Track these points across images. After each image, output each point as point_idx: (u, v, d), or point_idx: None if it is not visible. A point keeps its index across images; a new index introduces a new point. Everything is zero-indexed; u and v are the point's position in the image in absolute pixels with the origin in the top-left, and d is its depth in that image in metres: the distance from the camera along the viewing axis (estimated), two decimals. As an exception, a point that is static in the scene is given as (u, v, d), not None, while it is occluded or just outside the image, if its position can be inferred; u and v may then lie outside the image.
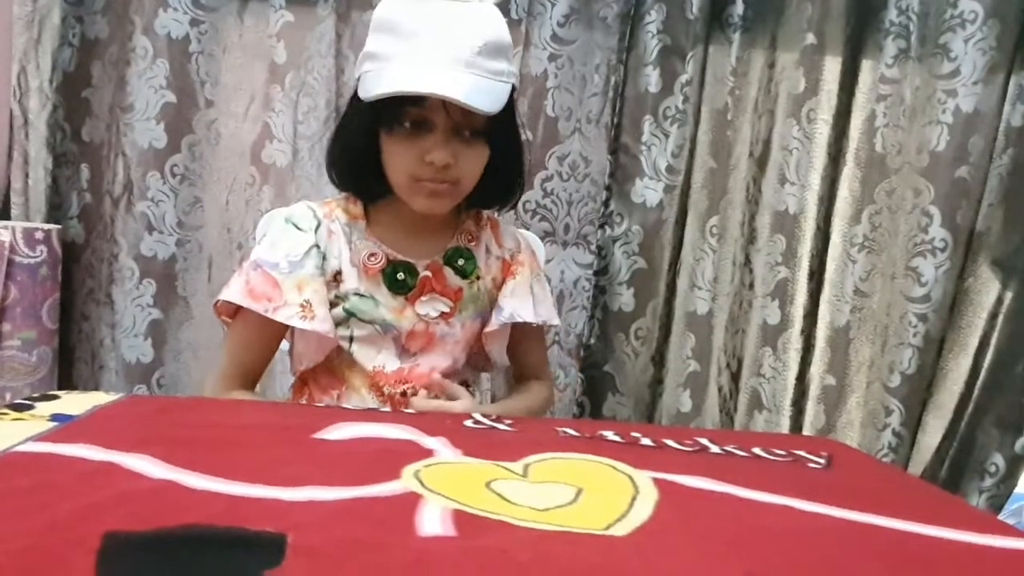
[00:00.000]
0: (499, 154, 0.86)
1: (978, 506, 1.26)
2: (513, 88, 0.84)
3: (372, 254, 0.89)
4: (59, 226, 1.41)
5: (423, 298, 0.90)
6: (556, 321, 1.02)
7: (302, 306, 0.84)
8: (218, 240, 1.46)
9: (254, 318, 0.85)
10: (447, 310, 0.90)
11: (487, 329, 0.93)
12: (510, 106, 0.85)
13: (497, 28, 0.82)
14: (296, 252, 0.86)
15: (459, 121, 0.81)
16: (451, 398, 0.88)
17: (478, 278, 0.93)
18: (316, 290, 0.85)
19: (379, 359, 0.89)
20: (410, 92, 0.77)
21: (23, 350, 1.32)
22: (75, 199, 1.45)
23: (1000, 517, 1.21)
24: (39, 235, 1.34)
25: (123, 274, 1.43)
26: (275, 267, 0.85)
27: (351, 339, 0.88)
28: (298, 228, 0.88)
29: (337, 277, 0.88)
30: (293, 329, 0.91)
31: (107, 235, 1.44)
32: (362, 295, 0.88)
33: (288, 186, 1.42)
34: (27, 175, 1.42)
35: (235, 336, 0.90)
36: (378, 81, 0.79)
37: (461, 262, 0.92)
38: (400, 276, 0.89)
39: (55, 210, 1.44)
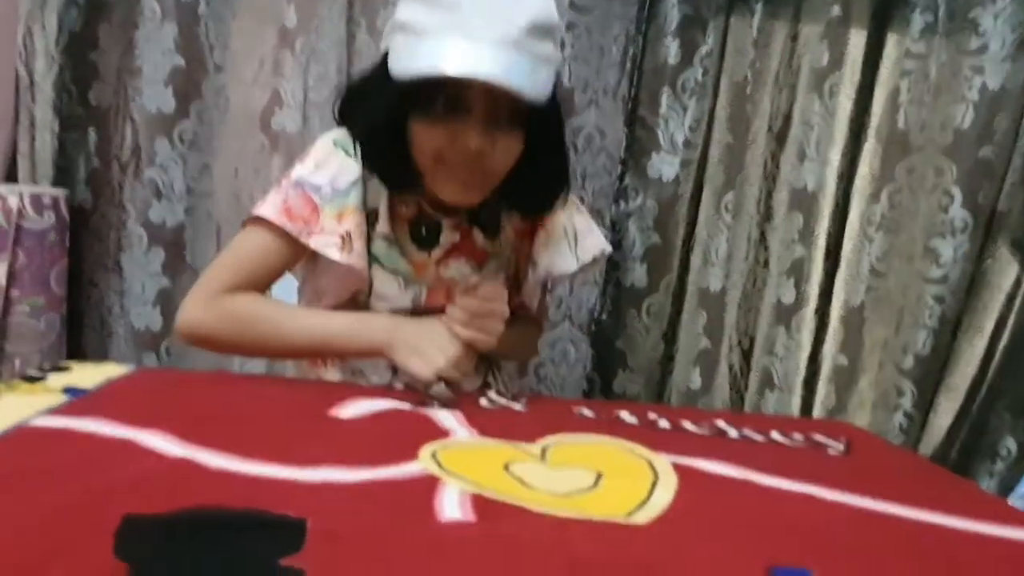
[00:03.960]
0: (538, 148, 0.78)
1: (988, 489, 1.25)
2: (558, 75, 0.77)
3: (405, 202, 0.83)
4: (66, 191, 1.39)
5: (451, 262, 0.86)
6: (607, 248, 0.92)
7: (341, 237, 0.77)
8: (227, 208, 1.44)
9: (279, 236, 0.78)
10: (470, 271, 0.87)
11: (524, 287, 0.89)
12: (554, 94, 0.77)
13: (548, 3, 0.73)
14: (342, 180, 0.79)
15: (500, 107, 0.73)
16: (487, 298, 0.77)
17: (499, 230, 0.88)
18: (358, 223, 0.78)
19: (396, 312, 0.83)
20: (456, 75, 0.69)
21: (32, 316, 1.32)
22: (82, 164, 1.43)
23: (1008, 500, 1.20)
24: (47, 200, 1.32)
25: (131, 241, 1.42)
26: (317, 190, 0.78)
27: (370, 291, 0.83)
28: (347, 153, 0.80)
29: (370, 217, 0.81)
30: (313, 263, 0.85)
31: (115, 201, 1.42)
32: (390, 241, 0.83)
33: (299, 154, 1.40)
34: (33, 138, 1.40)
35: (250, 245, 0.80)
36: (414, 56, 0.71)
37: (483, 217, 0.87)
38: (423, 232, 0.84)
39: (62, 174, 1.42)
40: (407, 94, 0.74)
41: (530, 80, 0.71)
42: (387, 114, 0.77)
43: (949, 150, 1.30)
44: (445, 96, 0.73)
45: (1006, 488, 1.28)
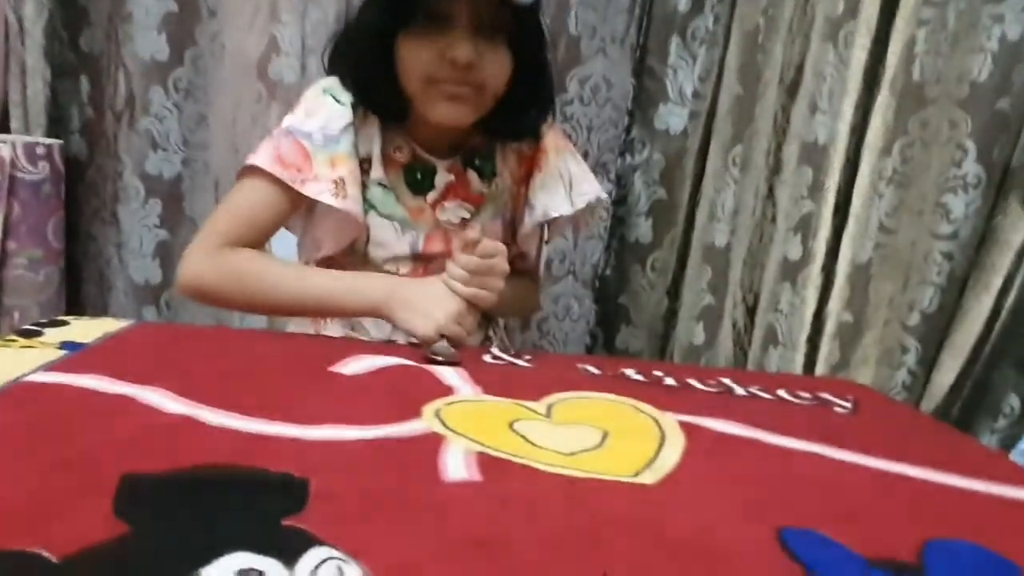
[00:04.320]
0: (523, 67, 0.79)
1: (989, 446, 1.26)
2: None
3: (399, 147, 0.83)
4: (60, 141, 1.36)
5: (447, 204, 0.85)
6: (602, 195, 0.91)
7: (335, 183, 0.77)
8: (225, 159, 1.41)
9: (274, 186, 0.77)
10: (468, 216, 0.86)
11: (521, 232, 0.89)
12: (536, 11, 0.78)
13: None
14: (333, 126, 0.78)
15: (484, 16, 0.73)
16: (486, 255, 0.75)
17: (495, 174, 0.88)
18: (351, 169, 0.78)
19: (393, 262, 0.84)
20: None
21: (30, 269, 1.31)
22: (76, 113, 1.40)
23: (1010, 456, 1.21)
24: (40, 150, 1.30)
25: (128, 193, 1.40)
26: (308, 137, 0.78)
27: (367, 238, 0.83)
28: (336, 100, 0.80)
29: (363, 164, 0.81)
30: (309, 214, 0.85)
31: (110, 152, 1.40)
32: (385, 187, 0.82)
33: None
34: (25, 86, 1.37)
35: (245, 197, 0.79)
36: None
37: (478, 162, 0.86)
38: (418, 176, 0.83)
39: (55, 124, 1.39)
40: (389, 10, 0.74)
41: None
42: (374, 31, 0.76)
43: (965, 103, 1.26)
44: (428, 8, 0.73)
45: (1007, 445, 1.28)
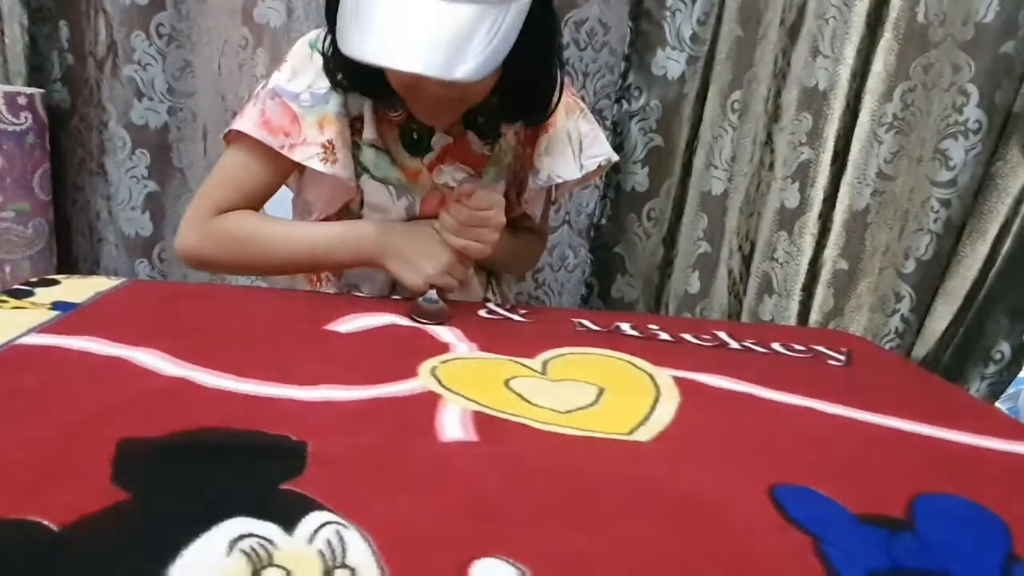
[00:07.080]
0: (523, 57, 0.65)
1: (979, 392, 1.27)
2: None
3: (392, 105, 0.79)
4: (42, 90, 1.33)
5: (443, 166, 0.81)
6: (612, 156, 0.87)
7: (323, 146, 0.74)
8: (212, 108, 1.38)
9: (262, 152, 0.75)
10: (466, 177, 0.82)
11: (525, 195, 0.86)
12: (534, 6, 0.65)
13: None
14: (320, 84, 0.75)
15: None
16: (480, 207, 0.72)
17: (499, 135, 0.84)
18: (340, 131, 0.76)
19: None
20: (376, 65, 0.60)
21: (18, 222, 1.29)
22: (57, 60, 1.36)
23: (998, 402, 1.23)
24: (22, 100, 1.26)
25: (114, 144, 1.37)
26: (295, 98, 0.75)
27: (362, 202, 0.81)
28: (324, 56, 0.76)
29: (355, 123, 0.78)
30: (300, 177, 0.84)
31: (94, 101, 1.36)
32: (378, 148, 0.79)
33: (284, 49, 1.32)
34: (2, 32, 1.32)
35: (236, 163, 0.78)
36: (348, 32, 0.61)
37: (480, 120, 0.82)
38: (414, 136, 0.80)
39: (37, 72, 1.35)
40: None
41: (467, 54, 0.59)
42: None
43: (969, 46, 1.23)
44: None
45: (996, 392, 1.30)
